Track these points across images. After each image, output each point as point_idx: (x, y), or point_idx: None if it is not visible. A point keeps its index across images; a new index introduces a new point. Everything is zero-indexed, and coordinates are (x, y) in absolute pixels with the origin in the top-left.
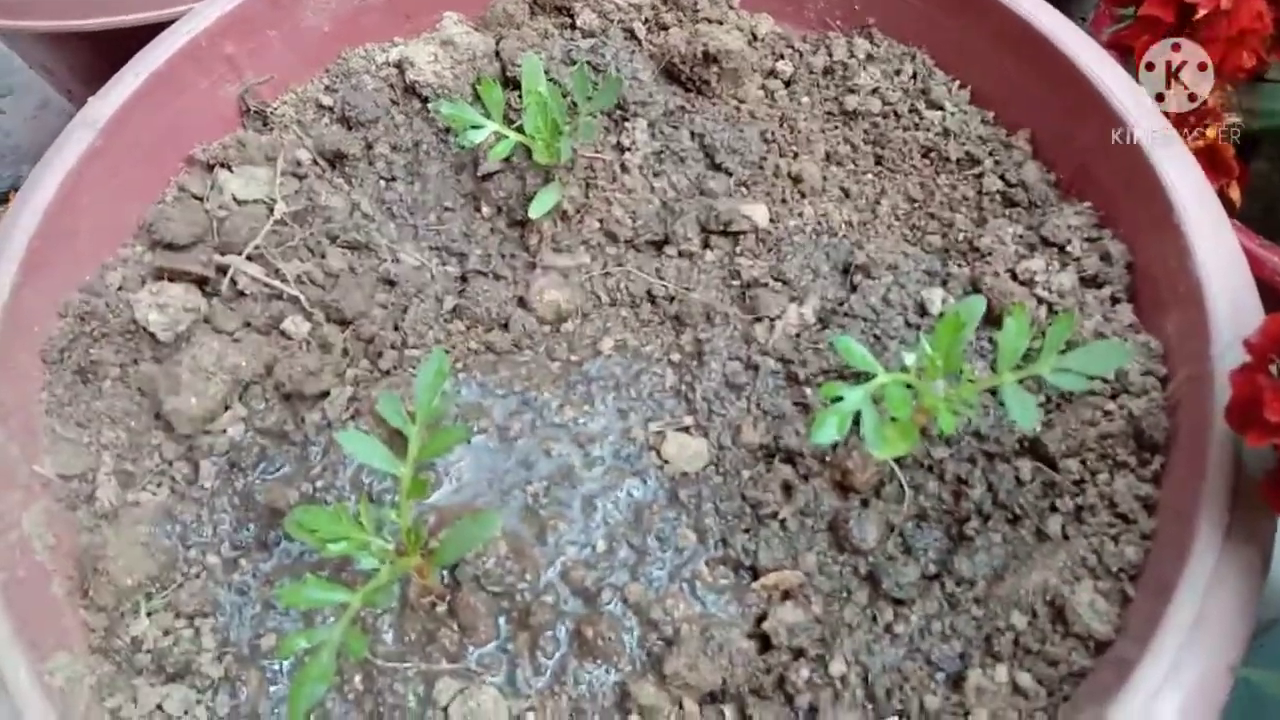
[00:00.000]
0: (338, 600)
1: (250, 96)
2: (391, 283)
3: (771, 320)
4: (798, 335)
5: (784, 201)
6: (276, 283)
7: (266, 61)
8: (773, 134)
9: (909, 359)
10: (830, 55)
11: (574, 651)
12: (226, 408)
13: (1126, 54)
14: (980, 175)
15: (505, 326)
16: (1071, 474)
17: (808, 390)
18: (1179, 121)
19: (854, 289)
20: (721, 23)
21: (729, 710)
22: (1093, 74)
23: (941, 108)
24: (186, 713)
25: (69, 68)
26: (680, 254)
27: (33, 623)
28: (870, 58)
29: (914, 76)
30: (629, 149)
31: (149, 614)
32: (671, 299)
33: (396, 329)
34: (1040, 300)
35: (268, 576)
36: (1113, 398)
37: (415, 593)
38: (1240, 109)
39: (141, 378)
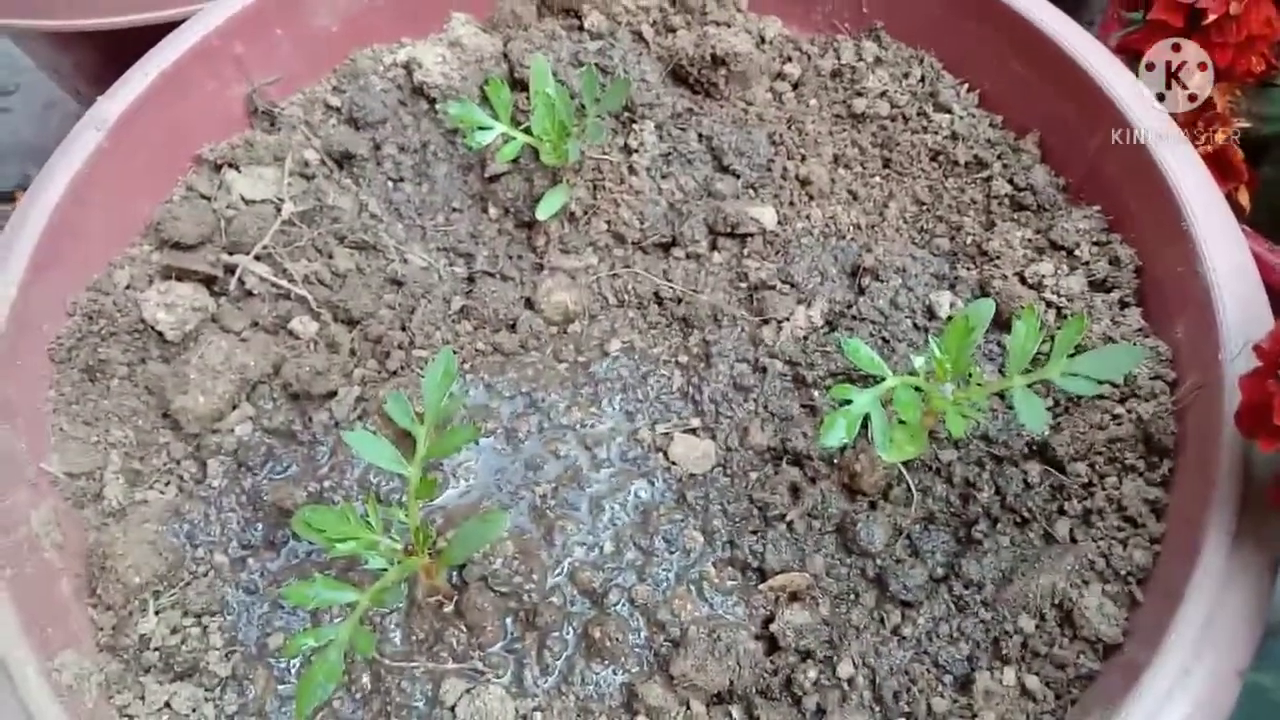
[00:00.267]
0: (345, 600)
1: (258, 96)
2: (399, 283)
3: (779, 322)
4: (805, 337)
5: (792, 204)
6: (284, 282)
7: (275, 62)
8: (781, 136)
9: (918, 362)
10: (838, 58)
11: (581, 652)
12: (234, 407)
13: (1135, 58)
14: (989, 179)
15: (513, 327)
16: (1080, 477)
17: (815, 393)
18: (1187, 126)
19: (862, 291)
20: (730, 25)
21: (736, 711)
22: (1102, 79)
23: (950, 111)
24: (194, 710)
25: (76, 66)
26: (688, 256)
27: (41, 620)
28: (878, 61)
29: (922, 80)
30: (636, 151)
31: (157, 612)
32: (679, 301)
33: (404, 329)
34: (1049, 304)
35: (275, 575)
36: (1121, 401)
37: (423, 593)
38: (1249, 114)
39: (149, 377)
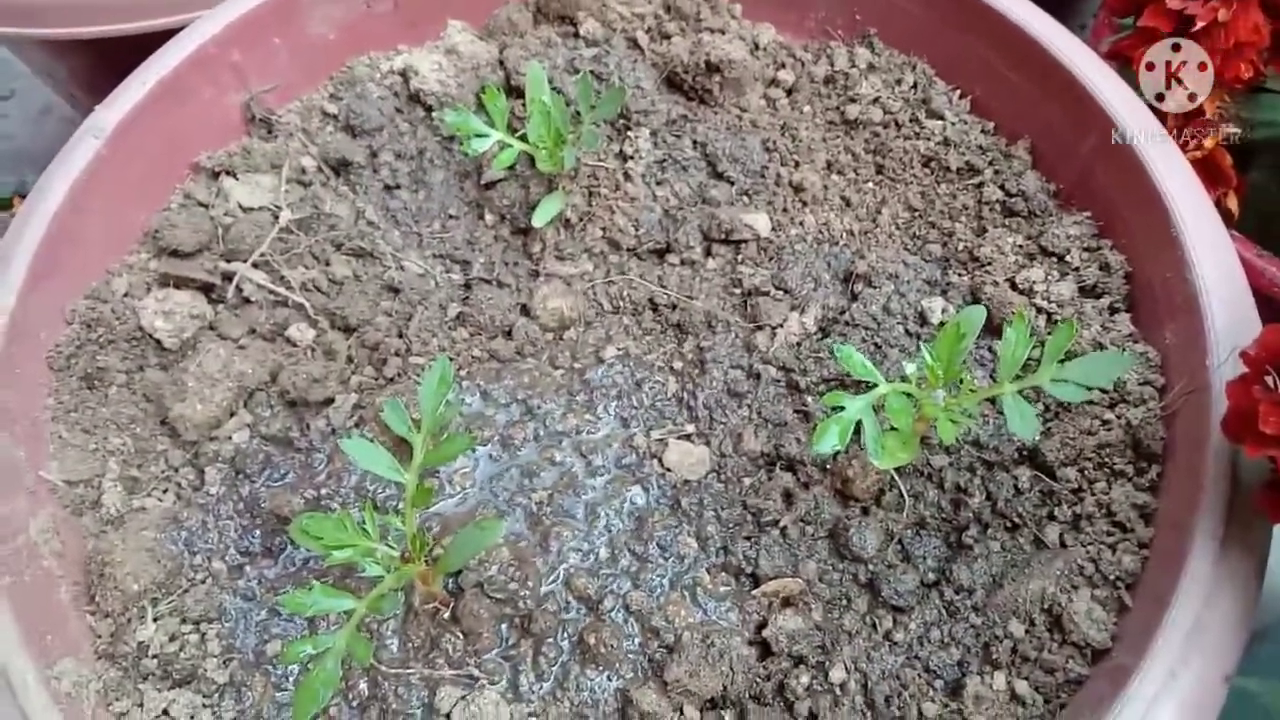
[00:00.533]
0: (342, 607)
1: (256, 104)
2: (396, 290)
3: (773, 329)
4: (799, 344)
5: (785, 210)
6: (281, 290)
7: (272, 70)
8: (774, 143)
9: (909, 368)
10: (832, 65)
11: (576, 658)
12: (232, 414)
13: (1125, 64)
14: (980, 185)
15: (509, 334)
16: (1069, 483)
17: (808, 399)
18: (1176, 132)
19: (855, 298)
20: (724, 32)
21: (729, 716)
22: (1092, 86)
23: (942, 117)
24: (192, 717)
25: (71, 73)
26: (682, 262)
27: (40, 628)
28: (871, 67)
29: (915, 86)
30: (632, 157)
31: (155, 619)
32: (674, 307)
33: (401, 336)
34: (1040, 310)
35: (273, 583)
36: (1111, 407)
37: (419, 599)
38: (1238, 119)
39: (147, 384)
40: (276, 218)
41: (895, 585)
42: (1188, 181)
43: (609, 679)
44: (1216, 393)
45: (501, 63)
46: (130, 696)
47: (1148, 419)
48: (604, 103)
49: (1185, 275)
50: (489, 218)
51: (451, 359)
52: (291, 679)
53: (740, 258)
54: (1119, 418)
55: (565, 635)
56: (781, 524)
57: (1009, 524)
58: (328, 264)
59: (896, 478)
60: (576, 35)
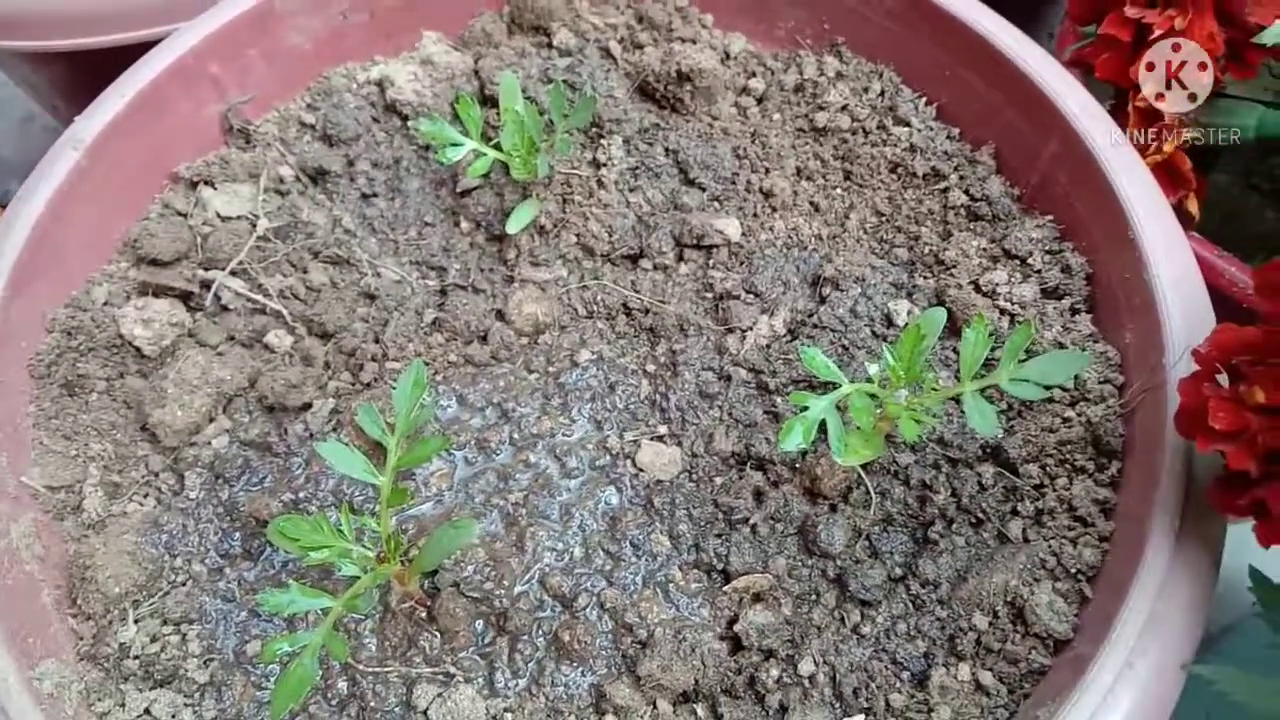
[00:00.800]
0: (320, 606)
1: (234, 115)
2: (372, 297)
3: (743, 331)
4: (768, 346)
5: (756, 216)
6: (259, 297)
7: (250, 81)
8: (745, 150)
9: (873, 369)
10: (801, 73)
11: (551, 655)
12: (211, 420)
13: (1088, 70)
14: (946, 190)
15: (484, 339)
16: (1032, 479)
17: (778, 399)
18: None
19: (823, 301)
20: (695, 41)
21: (701, 710)
22: (1053, 93)
23: (908, 124)
24: (174, 717)
25: (52, 83)
26: (655, 267)
27: (22, 631)
28: (839, 75)
29: (882, 94)
30: (605, 165)
31: (136, 621)
32: (646, 311)
33: (377, 342)
34: (1003, 311)
35: (252, 584)
36: (1072, 405)
37: (396, 599)
38: (1197, 124)
39: (127, 391)
40: (254, 226)
41: (863, 580)
42: (1146, 186)
43: (583, 674)
44: (1172, 390)
45: (476, 72)
46: (112, 697)
47: (1107, 416)
48: (577, 111)
49: (1143, 277)
50: (464, 225)
51: (427, 364)
52: (271, 678)
53: (712, 262)
54: (1080, 415)
55: (540, 632)
56: (752, 521)
57: (973, 519)
58: (305, 271)
59: (863, 475)
60: (550, 45)
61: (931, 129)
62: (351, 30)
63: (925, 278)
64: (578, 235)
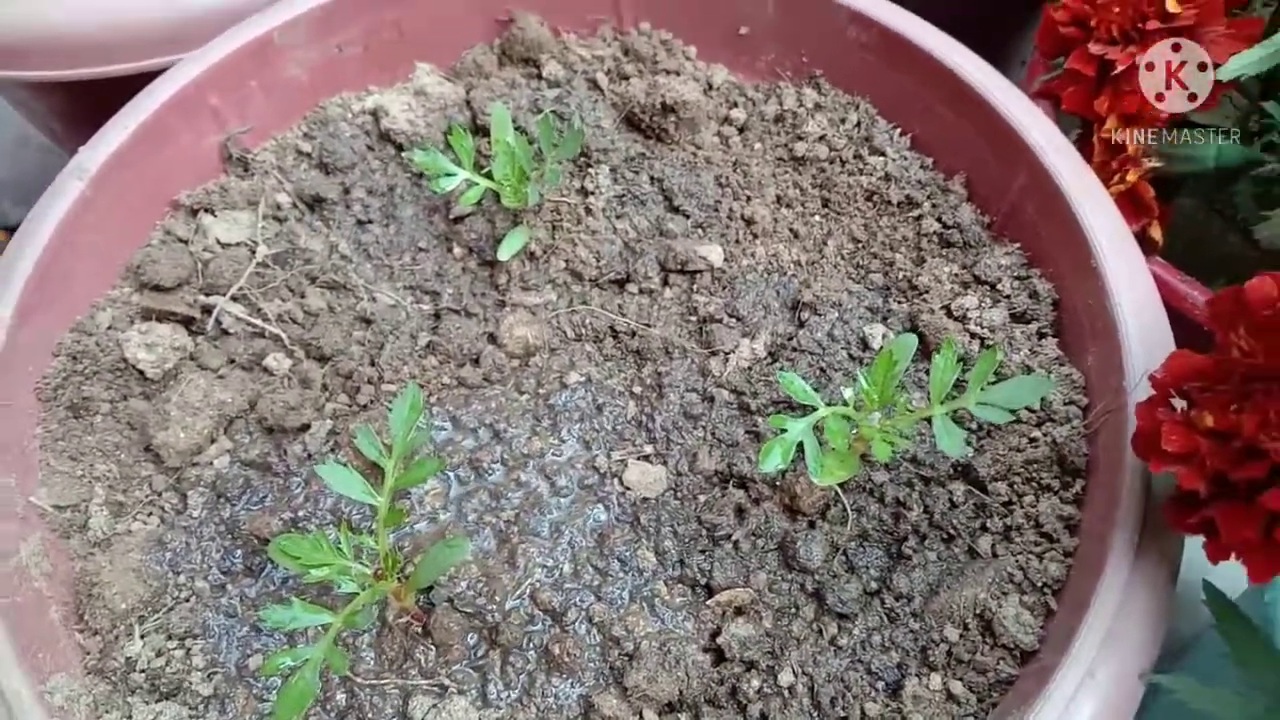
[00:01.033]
0: (320, 621)
1: (233, 144)
2: (368, 321)
3: (726, 354)
4: (750, 368)
5: (737, 242)
6: (259, 322)
7: (249, 111)
8: (727, 178)
9: (847, 393)
10: (781, 104)
11: (542, 667)
12: (213, 441)
13: (1056, 102)
14: (919, 217)
15: (476, 362)
16: (1000, 496)
17: (759, 420)
18: (1102, 167)
19: (802, 325)
20: (679, 73)
21: (685, 719)
22: (1021, 127)
23: (883, 154)
24: None
25: (50, 109)
26: (641, 292)
27: (33, 646)
28: (818, 107)
29: (858, 125)
30: (592, 193)
31: (142, 636)
32: (633, 334)
33: (373, 365)
34: (973, 335)
35: (254, 601)
36: (1038, 425)
37: (393, 614)
38: (1160, 154)
39: (131, 413)
40: (253, 253)
41: (840, 594)
42: (1109, 216)
43: (572, 686)
44: (1131, 413)
45: (468, 103)
46: (120, 709)
47: (1072, 437)
48: (565, 142)
49: (1105, 303)
50: (457, 251)
51: (421, 386)
52: (272, 691)
53: (695, 287)
54: (1046, 435)
55: (531, 646)
56: (734, 538)
57: (945, 535)
58: (303, 296)
59: (840, 493)
60: (539, 77)
61: (905, 159)
62: (347, 62)
63: (899, 302)
64: (567, 261)
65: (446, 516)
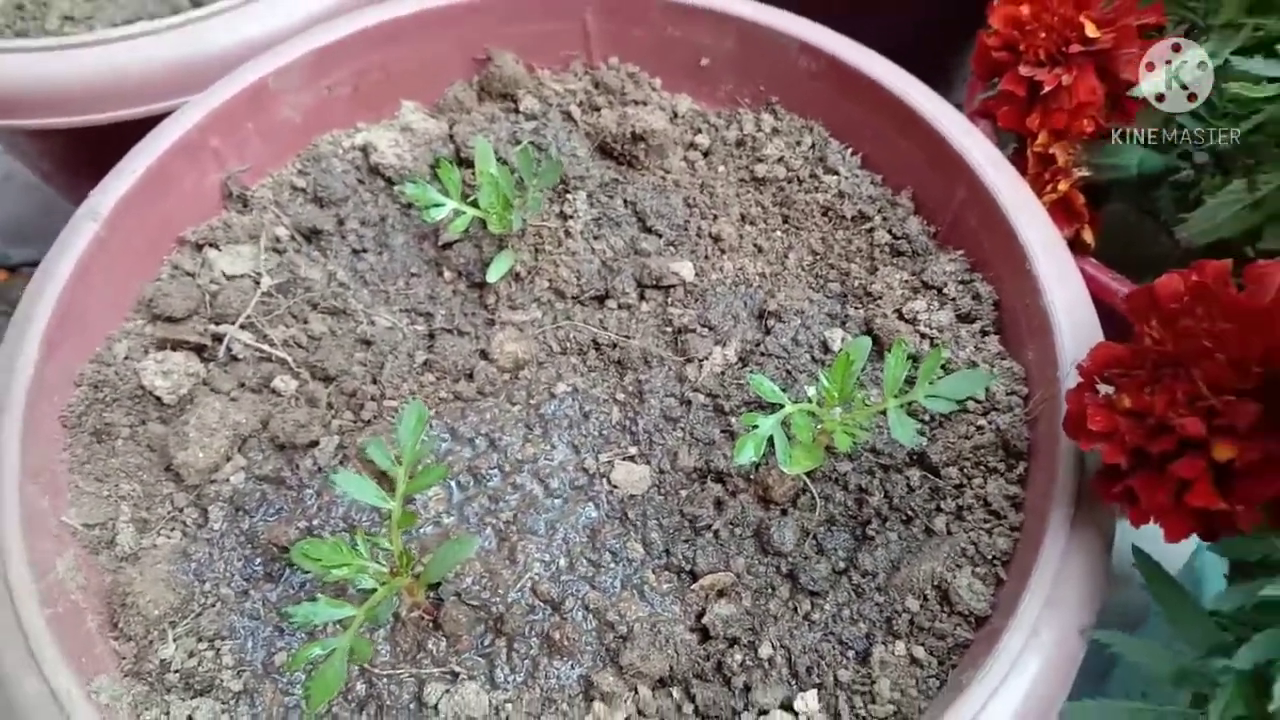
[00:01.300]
0: (344, 615)
1: (233, 182)
2: (368, 342)
3: (700, 361)
4: (723, 373)
5: (707, 258)
6: (266, 347)
7: (247, 151)
8: (694, 199)
9: (811, 391)
10: (741, 129)
11: (544, 651)
12: (228, 459)
13: (993, 119)
14: (871, 230)
15: (471, 377)
16: (953, 480)
17: (733, 420)
18: (1036, 178)
19: (768, 332)
20: (646, 104)
21: (676, 692)
22: (959, 145)
23: (837, 173)
24: None
25: (42, 152)
26: (620, 306)
27: (75, 651)
28: (775, 131)
29: (812, 146)
30: (571, 217)
31: (175, 640)
32: (614, 346)
33: (375, 383)
34: (923, 335)
35: (275, 604)
36: (984, 414)
37: (406, 609)
38: (1088, 164)
39: (150, 436)
40: (258, 283)
41: (811, 574)
42: (1041, 223)
43: (572, 667)
44: (1063, 399)
45: (451, 136)
46: (158, 706)
47: (1014, 424)
48: (545, 173)
49: (1040, 303)
50: (448, 274)
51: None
52: (296, 686)
53: (670, 301)
54: (991, 423)
55: (533, 633)
56: (714, 527)
57: (904, 517)
58: (306, 322)
59: (808, 483)
60: (517, 110)
61: (857, 177)
62: (336, 102)
63: (856, 308)
64: (550, 280)
65: (450, 520)
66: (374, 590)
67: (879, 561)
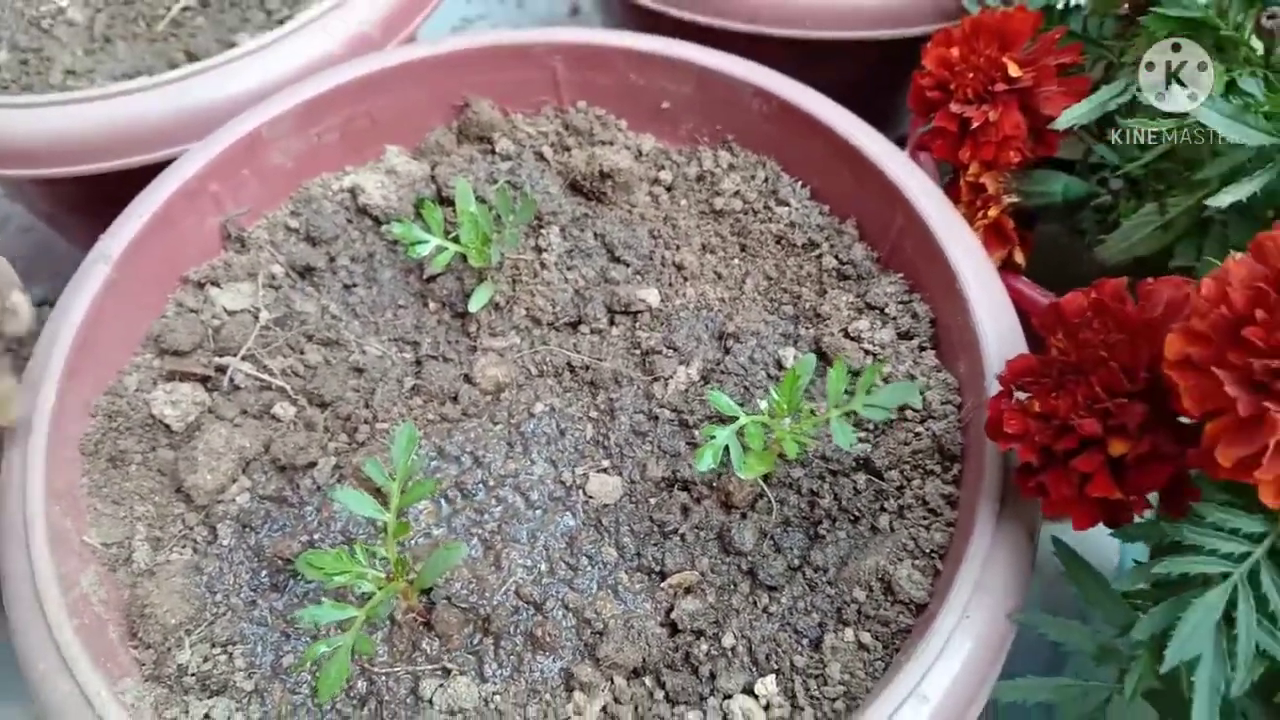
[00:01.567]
0: (348, 616)
1: (231, 225)
2: (360, 370)
3: (666, 380)
4: (686, 390)
5: (671, 285)
6: (266, 377)
7: (243, 195)
8: (659, 231)
9: (763, 405)
10: (700, 165)
11: (528, 648)
12: (234, 481)
13: (929, 152)
14: (820, 256)
15: (455, 399)
16: (894, 482)
17: (696, 433)
18: (969, 205)
19: (728, 352)
20: (613, 143)
21: (649, 681)
22: (896, 178)
23: (788, 204)
24: (229, 718)
25: (43, 197)
26: (592, 331)
27: (101, 657)
28: (731, 166)
29: (766, 180)
30: (545, 250)
31: (191, 646)
32: (587, 368)
33: (367, 407)
34: (867, 352)
35: (281, 612)
36: (921, 422)
37: (401, 613)
38: (1017, 191)
39: (161, 461)
40: (257, 317)
41: (769, 570)
42: (970, 248)
43: (554, 661)
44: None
45: (433, 178)
46: (178, 706)
47: (948, 430)
48: (521, 210)
49: (969, 320)
50: (432, 306)
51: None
52: (303, 686)
53: (637, 325)
54: (928, 430)
55: (518, 631)
56: (680, 531)
57: (851, 517)
58: (302, 353)
59: (765, 489)
60: (493, 152)
61: (807, 207)
62: (325, 148)
63: (807, 328)
64: (527, 309)
65: (440, 531)
66: (373, 594)
67: (829, 557)
